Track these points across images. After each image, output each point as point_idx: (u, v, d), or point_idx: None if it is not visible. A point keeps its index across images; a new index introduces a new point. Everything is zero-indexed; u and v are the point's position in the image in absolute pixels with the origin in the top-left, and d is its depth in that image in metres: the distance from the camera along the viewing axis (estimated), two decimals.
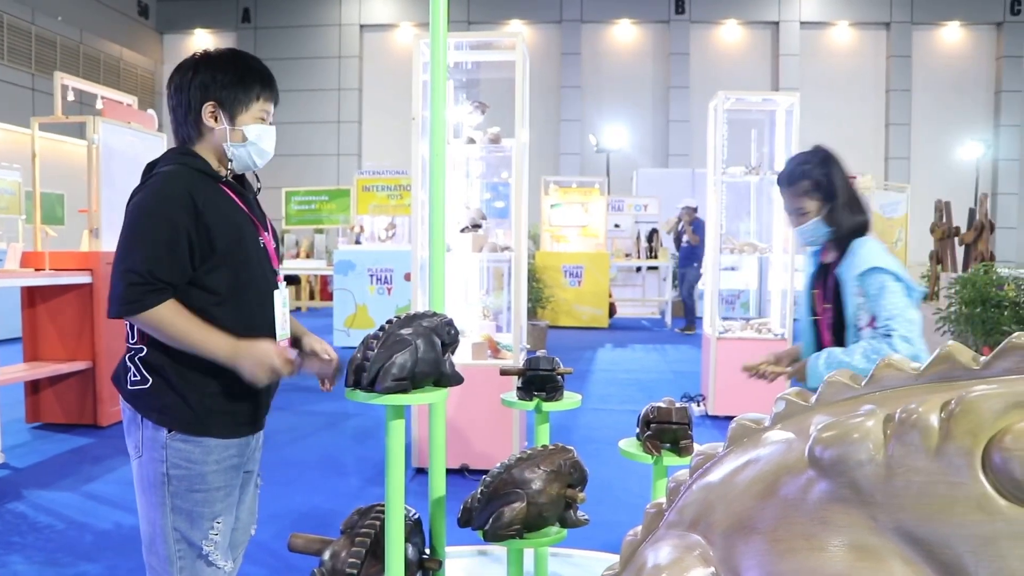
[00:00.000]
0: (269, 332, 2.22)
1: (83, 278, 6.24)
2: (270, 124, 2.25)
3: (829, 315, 2.95)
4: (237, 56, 2.23)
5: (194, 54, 2.23)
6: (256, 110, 2.21)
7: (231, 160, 2.19)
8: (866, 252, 2.83)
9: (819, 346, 3.02)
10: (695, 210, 13.22)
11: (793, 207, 2.94)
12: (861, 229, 2.91)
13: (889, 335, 2.67)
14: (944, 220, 10.84)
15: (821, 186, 2.89)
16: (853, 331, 2.83)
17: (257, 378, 2.10)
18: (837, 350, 2.77)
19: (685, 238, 13.34)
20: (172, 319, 2.04)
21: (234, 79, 2.17)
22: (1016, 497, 0.72)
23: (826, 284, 2.97)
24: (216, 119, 2.17)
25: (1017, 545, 0.72)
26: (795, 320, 3.31)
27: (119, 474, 5.02)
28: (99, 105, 6.99)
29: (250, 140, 2.18)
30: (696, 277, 13.16)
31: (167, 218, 2.04)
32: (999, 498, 0.73)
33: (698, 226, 12.95)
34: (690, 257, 13.27)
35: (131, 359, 2.15)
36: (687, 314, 13.75)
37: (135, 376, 2.13)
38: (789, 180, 2.93)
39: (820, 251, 3.08)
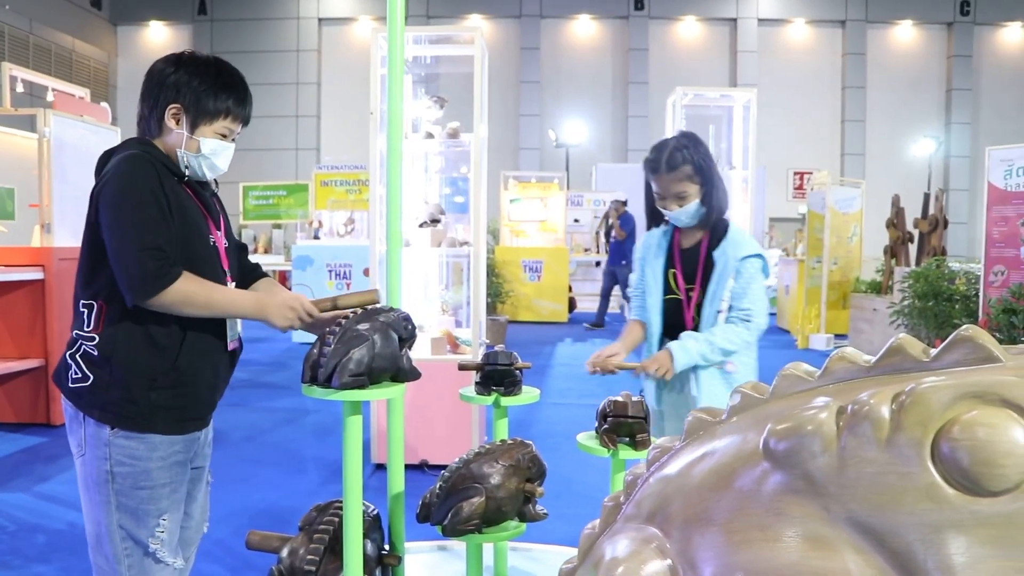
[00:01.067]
0: (218, 331, 2.20)
1: (34, 274, 6.12)
2: (231, 142, 2.22)
3: (696, 295, 3.02)
4: (221, 68, 2.19)
5: (183, 51, 2.20)
6: (219, 125, 2.17)
7: (186, 167, 2.16)
8: (745, 237, 2.98)
9: (675, 326, 3.07)
10: (625, 204, 13.02)
11: (673, 192, 2.94)
12: (725, 210, 3.03)
13: (748, 320, 2.88)
14: (898, 220, 11.09)
15: (701, 170, 2.93)
16: (712, 311, 2.94)
17: (290, 321, 2.12)
18: (697, 334, 2.86)
19: (614, 233, 13.05)
20: (196, 287, 2.04)
21: (208, 89, 2.13)
22: (963, 486, 0.73)
23: (694, 265, 3.02)
24: (177, 122, 2.13)
25: (964, 532, 0.73)
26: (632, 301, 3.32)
27: (72, 474, 4.92)
28: (50, 97, 6.86)
29: (203, 153, 2.15)
30: (628, 275, 12.82)
31: (149, 193, 2.02)
32: (947, 487, 0.74)
33: (626, 220, 12.75)
34: (618, 254, 12.85)
35: (72, 356, 2.11)
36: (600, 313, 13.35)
37: (76, 373, 2.09)
38: (671, 165, 2.91)
39: (673, 232, 3.10)
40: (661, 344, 3.13)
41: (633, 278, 3.26)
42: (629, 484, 1.22)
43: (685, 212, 2.95)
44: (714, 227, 2.99)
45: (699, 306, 3.00)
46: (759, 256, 2.94)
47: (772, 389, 1.00)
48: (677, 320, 3.06)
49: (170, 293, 1.99)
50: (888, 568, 0.78)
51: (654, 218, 3.15)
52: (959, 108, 25.67)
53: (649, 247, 3.16)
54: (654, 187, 3.01)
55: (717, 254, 2.96)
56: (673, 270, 3.07)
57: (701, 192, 2.94)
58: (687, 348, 2.86)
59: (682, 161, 2.91)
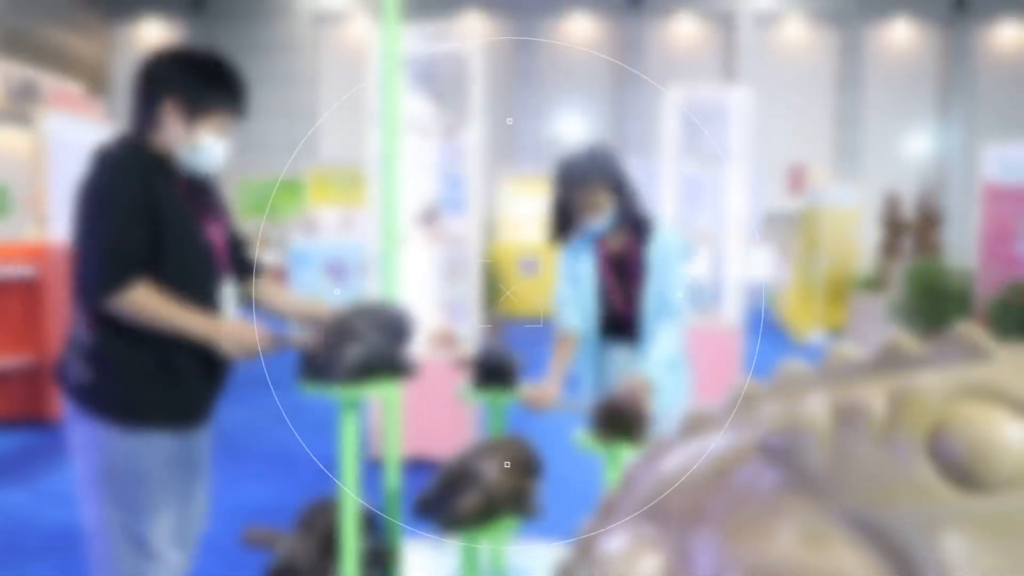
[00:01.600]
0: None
1: (30, 270, 6.11)
2: (226, 137, 2.21)
3: (633, 298, 3.02)
4: (216, 63, 2.18)
5: (179, 46, 2.19)
6: (215, 120, 2.15)
7: (181, 162, 2.15)
8: (671, 233, 3.03)
9: (613, 331, 3.08)
10: None
11: (589, 202, 2.93)
12: (645, 215, 3.05)
13: (676, 315, 2.94)
14: (894, 217, 11.14)
15: (617, 179, 2.94)
16: (647, 308, 2.97)
17: (235, 355, 2.09)
18: (660, 353, 2.85)
19: None
20: (148, 303, 2.02)
21: (207, 85, 2.12)
22: (958, 482, 0.73)
23: (625, 269, 3.03)
24: (174, 117, 2.11)
25: (959, 528, 0.73)
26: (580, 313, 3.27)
27: (70, 471, 4.92)
28: (45, 93, 6.84)
29: (200, 147, 2.13)
30: None
31: (124, 196, 2.01)
32: (942, 483, 0.74)
33: None
34: None
35: (71, 353, 2.11)
36: None
37: (76, 370, 2.09)
38: (586, 177, 2.91)
39: (598, 244, 3.09)
40: (600, 352, 3.13)
41: (561, 290, 3.19)
42: (625, 480, 1.22)
43: (600, 222, 2.95)
44: (640, 228, 3.01)
45: (636, 307, 3.02)
46: (685, 251, 3.04)
47: (768, 386, 1.01)
48: (615, 325, 3.09)
49: (121, 303, 1.98)
50: (883, 564, 0.78)
51: (564, 229, 3.11)
52: (956, 104, 25.68)
53: (576, 258, 3.13)
54: (566, 197, 2.99)
55: (646, 252, 2.98)
56: (607, 278, 3.07)
57: (615, 201, 2.94)
58: (655, 375, 2.84)
59: (599, 171, 2.92)
